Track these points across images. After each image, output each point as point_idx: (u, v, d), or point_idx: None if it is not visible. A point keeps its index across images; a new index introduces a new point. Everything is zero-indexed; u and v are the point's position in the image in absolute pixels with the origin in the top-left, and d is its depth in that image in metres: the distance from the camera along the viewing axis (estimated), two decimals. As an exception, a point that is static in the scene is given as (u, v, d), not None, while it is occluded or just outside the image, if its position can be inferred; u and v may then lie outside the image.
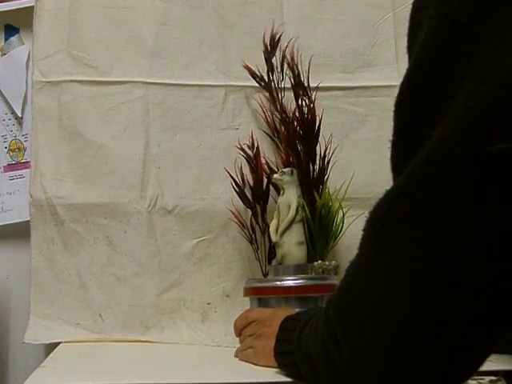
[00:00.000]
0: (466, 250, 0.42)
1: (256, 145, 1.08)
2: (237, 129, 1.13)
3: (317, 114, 1.06)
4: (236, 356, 0.91)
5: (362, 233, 0.49)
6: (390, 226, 0.45)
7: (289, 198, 1.02)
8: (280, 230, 1.01)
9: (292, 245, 1.00)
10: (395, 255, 0.45)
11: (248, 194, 1.07)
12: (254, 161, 1.07)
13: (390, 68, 1.18)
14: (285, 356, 0.71)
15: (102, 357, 0.93)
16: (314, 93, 1.07)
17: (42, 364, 0.82)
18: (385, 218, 0.46)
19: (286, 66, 1.09)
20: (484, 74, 0.42)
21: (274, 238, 1.02)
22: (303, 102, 1.06)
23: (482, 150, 0.41)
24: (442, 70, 0.44)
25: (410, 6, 1.28)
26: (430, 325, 0.43)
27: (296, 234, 1.01)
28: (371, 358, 0.46)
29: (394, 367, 0.45)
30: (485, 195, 0.42)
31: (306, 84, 1.07)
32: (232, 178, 1.07)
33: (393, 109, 1.26)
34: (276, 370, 0.75)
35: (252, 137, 1.09)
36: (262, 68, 1.10)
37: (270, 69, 1.09)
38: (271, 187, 1.08)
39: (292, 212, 1.00)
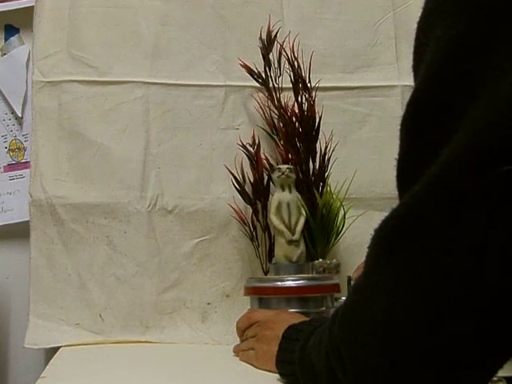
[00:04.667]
0: (474, 270, 0.42)
1: (257, 142, 1.08)
2: (237, 129, 1.13)
3: (317, 111, 1.06)
4: (235, 353, 0.91)
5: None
6: (395, 245, 0.45)
7: (297, 196, 1.02)
8: (299, 229, 1.01)
9: (304, 244, 1.02)
10: (400, 274, 0.44)
11: (248, 191, 1.07)
12: (254, 157, 1.07)
13: (390, 68, 1.18)
14: (286, 365, 0.71)
15: (102, 362, 0.93)
16: (314, 92, 1.08)
17: (43, 374, 0.81)
18: (391, 236, 0.46)
19: (284, 61, 1.09)
20: (494, 95, 0.42)
21: (290, 236, 1.01)
22: (303, 99, 1.06)
23: (493, 170, 0.41)
24: (450, 91, 0.44)
25: (410, 7, 1.29)
26: (434, 344, 0.43)
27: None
28: (374, 376, 0.45)
29: None
30: (496, 215, 0.41)
31: (306, 81, 1.07)
32: (232, 175, 1.07)
33: (393, 109, 1.25)
34: (277, 376, 0.75)
35: (253, 134, 1.09)
36: (261, 67, 1.10)
37: (267, 65, 1.09)
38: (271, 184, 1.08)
39: (305, 211, 1.02)
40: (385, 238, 0.46)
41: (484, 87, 0.42)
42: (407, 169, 0.48)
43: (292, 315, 0.85)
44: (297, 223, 1.01)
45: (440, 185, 0.43)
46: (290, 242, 1.01)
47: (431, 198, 0.43)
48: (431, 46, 0.46)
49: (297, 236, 1.01)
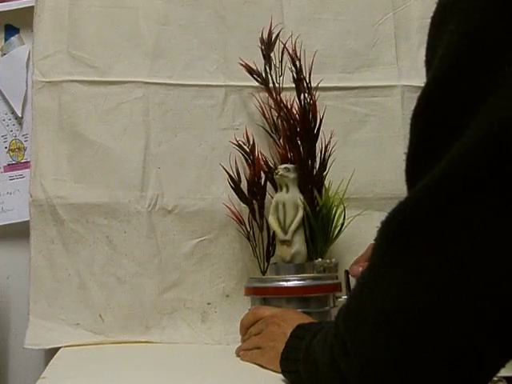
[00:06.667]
0: (482, 264, 0.42)
1: (252, 140, 1.08)
2: (237, 129, 1.13)
3: (318, 110, 1.06)
4: (237, 354, 0.91)
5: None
6: (403, 238, 0.45)
7: (295, 196, 1.02)
8: (292, 229, 1.00)
9: (302, 244, 1.01)
10: (407, 266, 0.45)
11: (245, 190, 1.07)
12: (250, 156, 1.07)
13: (390, 68, 1.18)
14: (290, 362, 0.71)
15: (102, 362, 0.93)
16: (315, 92, 1.07)
17: (43, 374, 0.81)
18: (398, 229, 0.46)
19: (286, 61, 1.08)
20: (507, 90, 0.42)
21: (282, 236, 1.01)
22: (305, 98, 1.06)
23: (504, 165, 0.41)
24: (462, 86, 0.44)
25: (410, 7, 1.29)
26: (439, 337, 0.43)
27: (303, 233, 1.02)
28: (378, 366, 0.46)
29: (401, 377, 0.45)
30: (506, 210, 0.42)
31: (307, 80, 1.07)
32: (228, 173, 1.07)
33: (393, 109, 1.26)
34: (279, 376, 0.75)
35: (246, 132, 1.09)
36: (261, 67, 1.10)
37: (268, 63, 1.09)
38: (268, 183, 1.08)
39: (301, 211, 1.01)
40: (392, 231, 0.47)
41: (497, 82, 0.42)
42: (417, 162, 0.48)
43: (299, 315, 0.85)
44: (291, 223, 1.01)
45: (451, 178, 0.43)
46: (283, 242, 1.02)
47: (442, 191, 0.44)
48: (444, 40, 0.46)
49: (288, 236, 1.00)
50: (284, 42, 1.09)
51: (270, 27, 1.09)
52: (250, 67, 1.09)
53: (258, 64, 1.10)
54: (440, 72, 0.46)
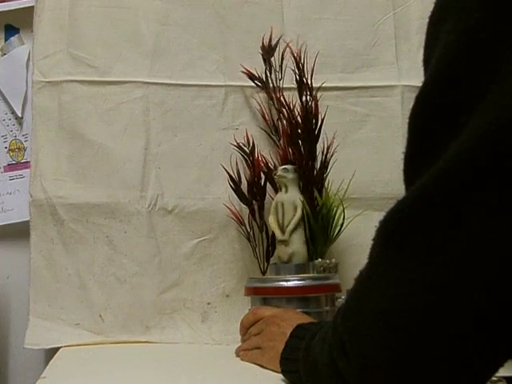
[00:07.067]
0: (481, 263, 0.42)
1: (252, 141, 1.08)
2: (237, 129, 1.13)
3: (319, 111, 1.06)
4: (237, 354, 0.91)
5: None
6: (401, 237, 0.46)
7: (294, 196, 1.02)
8: (289, 228, 1.00)
9: (301, 244, 1.01)
10: (406, 265, 0.45)
11: (245, 191, 1.08)
12: (250, 157, 1.07)
13: (390, 68, 1.18)
14: (290, 362, 0.71)
15: (102, 362, 0.93)
16: (315, 92, 1.08)
17: (43, 374, 0.81)
18: (396, 228, 0.46)
19: (287, 61, 1.09)
20: (505, 89, 0.42)
21: (280, 236, 1.01)
22: (307, 99, 1.06)
23: (502, 163, 0.41)
24: (460, 85, 0.45)
25: (410, 7, 1.29)
26: (438, 336, 0.43)
27: (302, 233, 1.01)
28: (377, 366, 0.46)
29: (400, 377, 0.45)
30: (504, 208, 0.42)
31: (309, 81, 1.07)
32: (228, 174, 1.07)
33: (393, 109, 1.25)
34: (279, 376, 0.75)
35: (247, 133, 1.09)
36: (261, 68, 1.10)
37: (269, 68, 1.09)
38: (268, 184, 1.08)
39: (300, 211, 1.00)
40: (390, 230, 0.47)
41: (494, 81, 0.43)
42: (414, 161, 0.48)
43: (299, 315, 0.85)
44: (289, 223, 1.01)
45: (449, 176, 0.43)
46: (281, 242, 1.02)
47: (440, 190, 0.44)
48: (442, 39, 0.46)
49: (286, 235, 1.00)
50: (285, 46, 1.09)
51: (271, 35, 1.09)
52: (252, 73, 1.10)
53: (258, 66, 1.10)
54: (438, 71, 0.46)
